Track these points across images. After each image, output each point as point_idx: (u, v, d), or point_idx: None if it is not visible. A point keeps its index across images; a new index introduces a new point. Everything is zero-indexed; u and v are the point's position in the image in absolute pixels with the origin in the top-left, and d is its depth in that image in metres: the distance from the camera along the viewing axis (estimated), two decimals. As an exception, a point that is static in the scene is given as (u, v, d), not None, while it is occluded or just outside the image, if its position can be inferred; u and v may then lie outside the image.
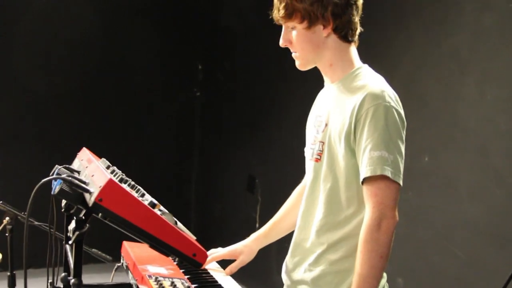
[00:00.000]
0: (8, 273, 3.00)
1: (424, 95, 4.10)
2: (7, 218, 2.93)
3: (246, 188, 5.91)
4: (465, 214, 3.78)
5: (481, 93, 3.72)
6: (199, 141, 7.03)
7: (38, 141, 5.93)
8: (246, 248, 2.39)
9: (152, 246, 1.79)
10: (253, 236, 2.44)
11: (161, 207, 1.82)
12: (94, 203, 1.63)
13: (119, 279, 2.45)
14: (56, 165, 2.01)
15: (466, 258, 3.76)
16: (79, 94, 6.31)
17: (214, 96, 6.85)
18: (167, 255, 1.85)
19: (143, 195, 1.80)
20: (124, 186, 1.76)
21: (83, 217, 1.76)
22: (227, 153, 6.50)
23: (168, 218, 1.75)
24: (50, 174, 1.93)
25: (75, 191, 1.74)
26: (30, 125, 6.01)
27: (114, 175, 1.85)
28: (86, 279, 2.35)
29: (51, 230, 1.94)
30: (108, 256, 2.90)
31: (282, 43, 2.10)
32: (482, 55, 3.72)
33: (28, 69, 6.00)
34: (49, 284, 2.12)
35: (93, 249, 2.91)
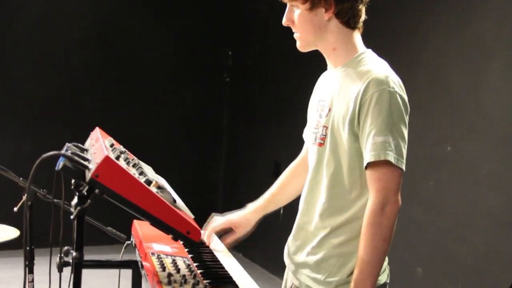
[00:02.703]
0: (28, 247, 3.09)
1: (447, 82, 4.05)
2: (26, 195, 3.00)
3: (272, 173, 5.94)
4: (485, 204, 3.74)
5: (506, 81, 3.66)
6: (227, 126, 7.07)
7: (64, 123, 6.03)
8: (244, 220, 2.43)
9: (151, 223, 1.83)
10: (252, 207, 2.47)
11: (160, 184, 1.85)
12: (91, 179, 1.67)
13: (131, 257, 2.50)
14: (66, 143, 2.06)
15: (485, 248, 3.73)
16: (111, 78, 6.45)
17: (242, 82, 6.87)
18: (166, 233, 1.89)
19: (141, 173, 1.84)
20: (122, 163, 1.80)
21: (85, 193, 1.81)
22: (254, 139, 6.52)
23: (165, 196, 1.77)
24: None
25: (77, 167, 1.78)
26: (57, 108, 6.17)
27: (114, 153, 1.90)
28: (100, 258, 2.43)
29: (55, 203, 1.99)
30: (122, 235, 2.96)
31: (284, 22, 2.11)
32: (507, 42, 3.66)
33: (56, 49, 6.16)
34: (58, 258, 2.18)
35: (108, 228, 2.97)
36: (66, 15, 6.22)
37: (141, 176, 1.80)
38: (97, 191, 1.72)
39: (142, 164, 2.20)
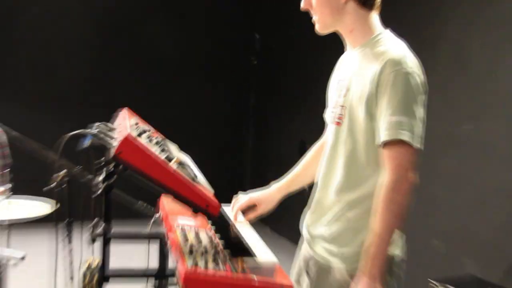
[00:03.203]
0: (67, 219, 3.10)
1: (468, 61, 3.96)
2: (63, 172, 3.01)
3: (298, 152, 5.90)
4: (502, 181, 3.68)
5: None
6: (255, 107, 7.05)
7: (103, 106, 6.04)
8: (268, 199, 2.41)
9: (173, 197, 1.82)
10: (276, 186, 2.44)
11: (182, 161, 1.84)
12: (114, 156, 1.67)
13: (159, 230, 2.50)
14: (96, 123, 2.06)
15: (500, 223, 3.67)
16: (147, 63, 6.48)
17: (270, 65, 6.83)
18: (187, 206, 1.87)
19: (163, 150, 1.83)
20: (144, 141, 1.79)
21: (112, 169, 1.81)
22: (281, 119, 6.50)
23: (185, 172, 1.76)
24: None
25: (103, 145, 1.79)
26: (97, 94, 6.23)
27: (137, 131, 1.89)
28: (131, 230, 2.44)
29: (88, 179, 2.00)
30: (151, 208, 2.96)
31: (303, 6, 2.09)
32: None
33: (92, 37, 6.22)
34: (91, 229, 2.19)
35: (138, 202, 2.97)
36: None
37: (162, 153, 1.79)
38: (120, 167, 1.71)
39: (167, 142, 2.18)
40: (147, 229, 2.65)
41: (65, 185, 3.05)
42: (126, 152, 1.65)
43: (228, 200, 2.47)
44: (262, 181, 2.62)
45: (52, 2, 6.12)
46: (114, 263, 2.17)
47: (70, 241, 3.17)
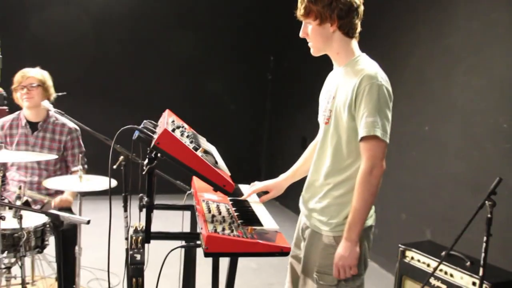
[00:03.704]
0: (123, 194, 3.06)
1: (427, 81, 3.90)
2: (122, 157, 2.97)
3: (300, 145, 5.83)
4: (452, 170, 3.63)
5: (468, 80, 3.52)
6: (269, 111, 6.98)
7: (154, 109, 6.00)
8: (277, 185, 2.34)
9: (199, 178, 1.76)
10: (283, 176, 2.38)
11: (207, 150, 1.78)
12: (154, 146, 1.62)
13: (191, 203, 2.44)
14: (144, 120, 2.01)
15: (451, 201, 3.60)
16: (189, 79, 6.42)
17: (281, 79, 6.76)
18: (209, 185, 1.81)
19: (192, 141, 1.77)
20: (177, 134, 1.74)
21: (153, 156, 1.76)
22: (288, 120, 6.43)
23: (208, 159, 1.70)
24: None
25: (147, 137, 1.73)
26: (149, 99, 6.13)
27: (172, 127, 1.83)
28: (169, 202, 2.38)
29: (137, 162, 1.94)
30: (187, 187, 2.91)
31: (301, 34, 2.02)
32: (470, 51, 3.52)
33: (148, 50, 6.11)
34: (139, 201, 2.14)
35: (177, 181, 2.92)
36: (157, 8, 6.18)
37: (191, 144, 1.73)
38: (159, 154, 1.65)
39: (197, 135, 2.13)
40: (182, 202, 2.61)
41: (122, 167, 3.02)
42: (163, 143, 1.60)
43: (247, 182, 2.43)
44: (273, 167, 2.56)
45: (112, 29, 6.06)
46: (156, 227, 2.13)
47: (125, 210, 3.14)
